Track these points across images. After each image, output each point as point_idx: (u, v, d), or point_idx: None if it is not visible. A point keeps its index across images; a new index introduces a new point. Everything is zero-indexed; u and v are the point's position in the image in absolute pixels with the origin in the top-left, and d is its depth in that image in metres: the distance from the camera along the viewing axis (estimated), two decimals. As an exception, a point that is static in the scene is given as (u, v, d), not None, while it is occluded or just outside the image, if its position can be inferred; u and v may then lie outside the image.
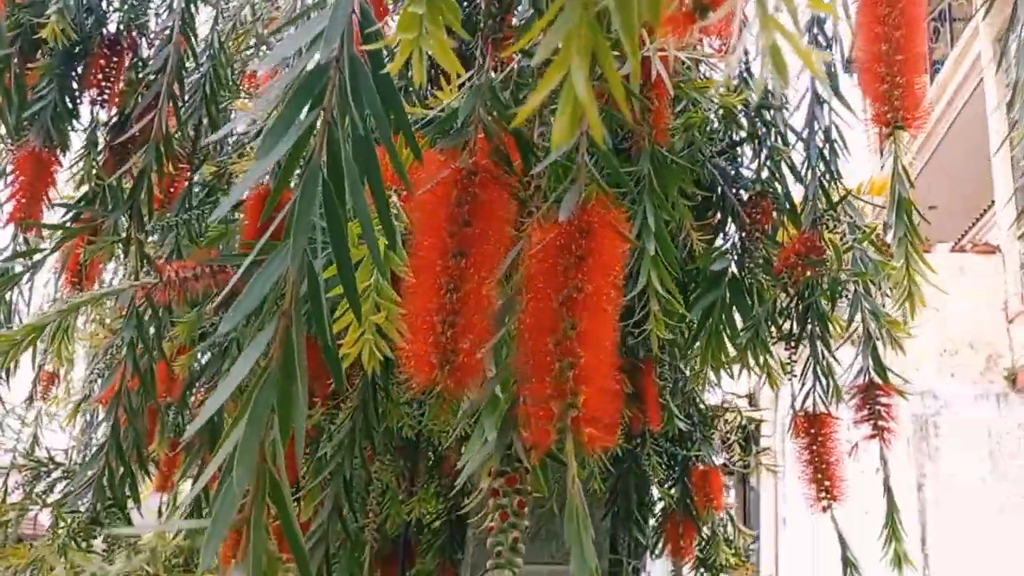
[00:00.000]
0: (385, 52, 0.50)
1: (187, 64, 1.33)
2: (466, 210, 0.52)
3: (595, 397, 0.48)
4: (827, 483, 1.11)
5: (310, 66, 0.44)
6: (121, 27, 1.36)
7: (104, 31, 1.34)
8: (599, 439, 0.48)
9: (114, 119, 1.38)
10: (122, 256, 1.23)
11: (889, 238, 0.89)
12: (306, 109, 0.43)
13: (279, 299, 0.45)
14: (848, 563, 1.10)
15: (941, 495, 6.40)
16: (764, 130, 1.15)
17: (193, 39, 1.26)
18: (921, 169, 8.69)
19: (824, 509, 1.11)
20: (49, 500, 1.90)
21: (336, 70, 0.43)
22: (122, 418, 1.19)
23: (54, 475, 1.95)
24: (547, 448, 0.50)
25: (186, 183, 1.39)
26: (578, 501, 0.51)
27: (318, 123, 0.44)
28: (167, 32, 1.26)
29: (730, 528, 1.86)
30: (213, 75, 1.40)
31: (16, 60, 1.25)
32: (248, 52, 1.93)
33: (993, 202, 7.14)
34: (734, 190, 1.22)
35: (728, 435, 2.27)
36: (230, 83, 1.62)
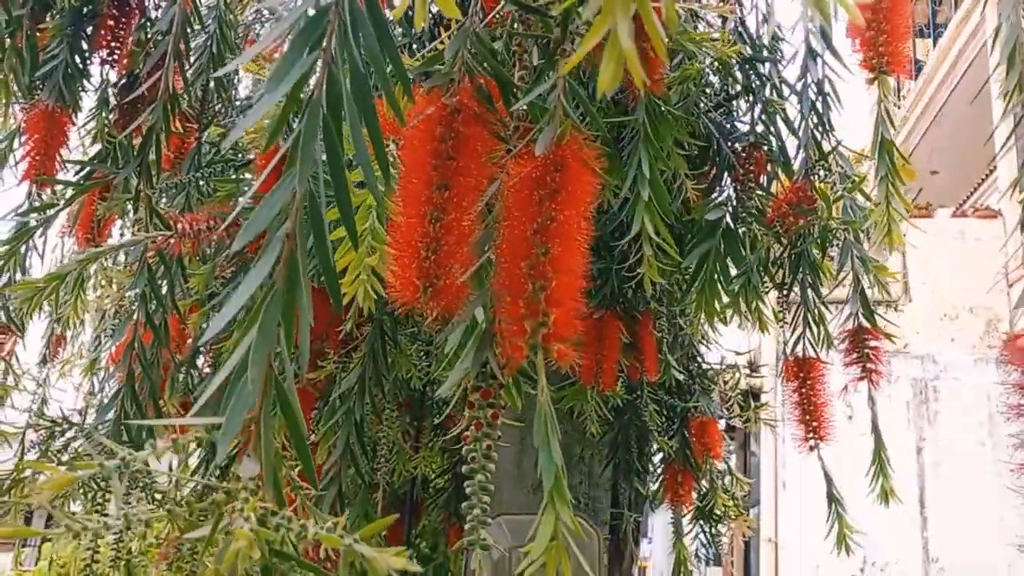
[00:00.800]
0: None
1: (194, 25, 1.35)
2: (450, 145, 0.56)
3: (564, 317, 0.53)
4: (815, 423, 1.16)
5: (311, 10, 0.47)
6: (128, -12, 1.39)
7: (113, -8, 1.37)
8: (566, 355, 0.53)
9: (123, 79, 1.41)
10: (132, 213, 1.26)
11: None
12: (307, 50, 0.46)
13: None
14: (833, 499, 1.14)
15: (940, 458, 6.47)
16: (759, 83, 1.17)
17: (198, 0, 1.29)
18: (923, 134, 8.68)
19: (811, 448, 1.16)
20: (64, 459, 1.96)
21: (336, 14, 0.47)
22: (136, 370, 1.23)
23: (68, 434, 2.00)
24: (519, 363, 0.54)
25: (195, 143, 1.43)
26: (547, 408, 0.55)
27: (319, 64, 0.47)
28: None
29: (729, 480, 1.91)
30: (220, 36, 1.43)
31: (27, 22, 1.27)
32: (251, 16, 1.96)
33: (995, 167, 7.14)
34: (729, 143, 1.25)
35: (728, 393, 2.32)
36: (235, 46, 1.65)
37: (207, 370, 1.76)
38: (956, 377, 6.50)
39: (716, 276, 1.17)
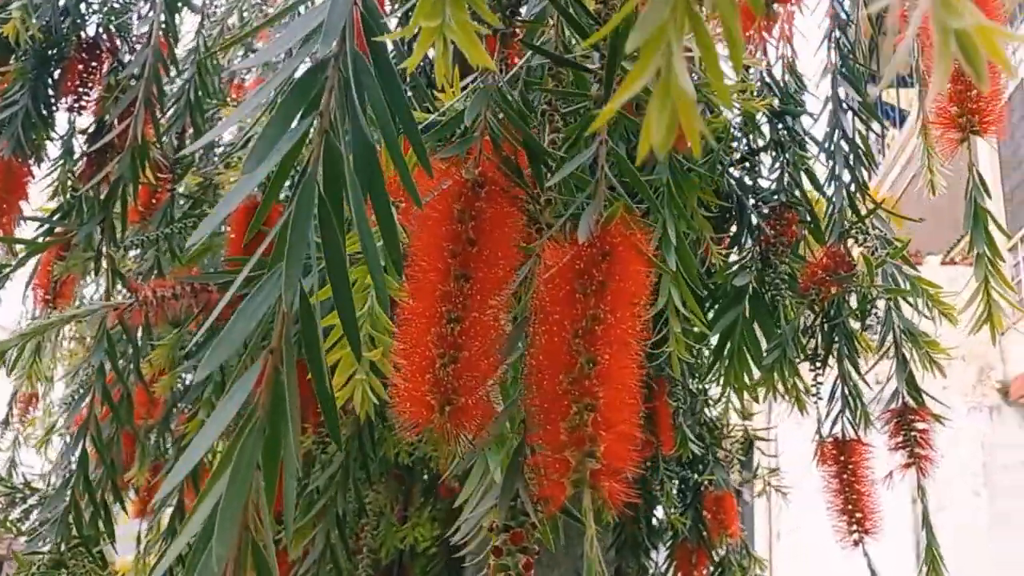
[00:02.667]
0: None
1: (168, 70, 1.24)
2: (471, 227, 0.44)
3: (616, 446, 0.41)
4: (859, 515, 1.04)
5: (304, 66, 0.36)
6: (100, 30, 1.28)
7: (82, 34, 1.26)
8: (619, 494, 0.41)
9: (91, 127, 1.30)
10: (93, 273, 1.14)
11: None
12: (299, 114, 0.35)
13: (269, 331, 0.37)
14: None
15: (935, 507, 6.35)
16: (787, 137, 1.08)
17: (174, 44, 1.18)
18: (908, 182, 8.69)
19: (856, 543, 1.04)
20: (24, 527, 1.81)
21: (335, 69, 0.35)
22: (91, 450, 1.10)
23: (30, 501, 1.86)
24: (560, 503, 0.42)
25: (168, 195, 1.31)
26: (597, 566, 0.43)
27: (313, 130, 0.36)
28: (147, 36, 1.18)
29: (741, 552, 1.78)
30: (198, 81, 1.32)
31: (-15, 64, 1.16)
32: (236, 60, 1.85)
33: (982, 214, 7.14)
34: (752, 200, 1.15)
35: (729, 452, 2.20)
36: (217, 91, 1.54)
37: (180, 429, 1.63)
38: (950, 425, 6.41)
39: (744, 347, 1.05)
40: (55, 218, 1.27)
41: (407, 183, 0.38)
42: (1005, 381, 6.68)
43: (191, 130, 1.39)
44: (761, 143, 1.18)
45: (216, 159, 1.64)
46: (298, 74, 0.36)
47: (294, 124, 0.35)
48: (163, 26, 1.12)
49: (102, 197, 1.30)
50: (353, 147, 0.35)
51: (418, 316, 0.45)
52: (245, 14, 1.73)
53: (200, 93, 1.32)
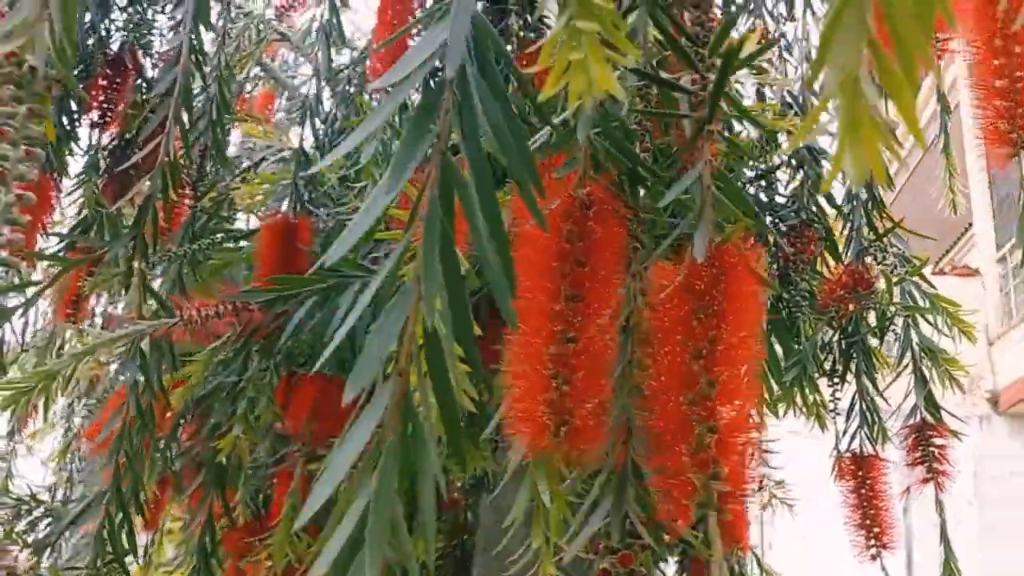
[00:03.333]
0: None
1: (192, 89, 1.26)
2: (579, 247, 0.46)
3: (737, 469, 0.42)
4: (876, 530, 1.06)
5: (420, 94, 0.38)
6: (124, 47, 1.29)
7: (107, 51, 1.27)
8: (741, 518, 0.42)
9: (114, 143, 1.31)
10: (123, 290, 1.15)
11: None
12: (423, 143, 0.36)
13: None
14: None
15: (925, 518, 6.38)
16: (807, 154, 1.10)
17: (203, 62, 1.19)
18: (897, 192, 8.78)
19: (873, 557, 1.06)
20: (30, 539, 1.80)
21: (451, 92, 0.37)
22: (122, 462, 1.11)
23: (35, 513, 1.85)
24: (683, 530, 0.43)
25: (190, 211, 1.32)
26: None
27: (431, 151, 0.38)
28: (173, 53, 1.19)
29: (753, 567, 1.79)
30: (220, 98, 1.33)
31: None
32: (249, 75, 1.87)
33: (971, 224, 7.21)
34: (769, 217, 1.17)
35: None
36: (230, 104, 1.55)
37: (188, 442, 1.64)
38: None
39: (763, 363, 1.08)
40: (77, 234, 1.28)
41: (531, 204, 0.39)
42: (995, 391, 6.74)
43: (212, 148, 1.40)
44: (776, 160, 1.21)
45: (225, 175, 1.65)
46: (417, 95, 0.37)
47: (421, 145, 0.36)
48: (193, 44, 1.14)
49: (125, 213, 1.31)
50: (471, 168, 0.37)
51: (528, 336, 0.46)
52: (261, 31, 1.75)
53: (222, 110, 1.34)
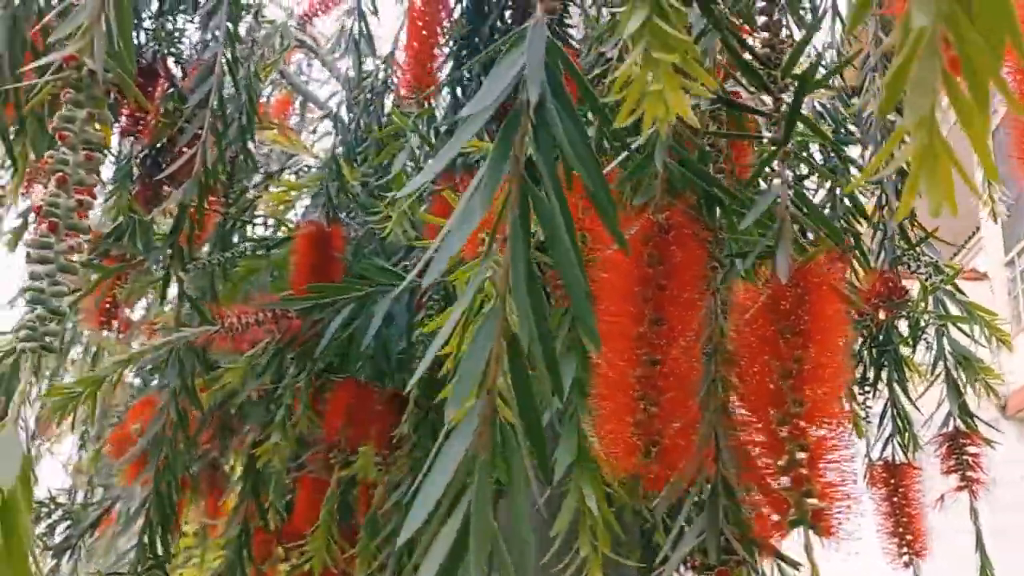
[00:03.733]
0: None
1: (224, 99, 1.27)
2: (660, 270, 0.47)
3: (827, 484, 0.43)
4: (909, 537, 1.06)
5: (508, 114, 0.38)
6: (156, 56, 1.30)
7: (139, 60, 1.28)
8: (832, 530, 0.43)
9: (145, 151, 1.32)
10: (159, 298, 1.16)
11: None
12: (502, 169, 0.37)
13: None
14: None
15: (934, 522, 6.37)
16: (840, 164, 1.11)
17: (236, 70, 1.20)
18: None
19: (906, 565, 1.06)
20: (51, 544, 1.82)
21: (527, 116, 0.38)
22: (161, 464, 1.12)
23: (54, 516, 1.86)
24: (776, 548, 0.44)
25: (220, 219, 1.33)
26: None
27: (509, 175, 0.38)
28: (205, 63, 1.20)
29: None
30: (249, 106, 1.34)
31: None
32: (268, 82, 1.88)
33: (978, 228, 7.20)
34: (798, 227, 1.17)
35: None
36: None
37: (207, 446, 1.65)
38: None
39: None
40: (110, 242, 1.29)
41: (613, 229, 0.40)
42: (1003, 396, 6.73)
43: (242, 157, 1.41)
44: (805, 169, 1.21)
45: (249, 183, 1.66)
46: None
47: (503, 166, 0.37)
48: (226, 53, 1.15)
49: (156, 220, 1.32)
50: (552, 193, 0.37)
51: (613, 359, 0.46)
52: (283, 37, 1.76)
53: (251, 118, 1.35)
